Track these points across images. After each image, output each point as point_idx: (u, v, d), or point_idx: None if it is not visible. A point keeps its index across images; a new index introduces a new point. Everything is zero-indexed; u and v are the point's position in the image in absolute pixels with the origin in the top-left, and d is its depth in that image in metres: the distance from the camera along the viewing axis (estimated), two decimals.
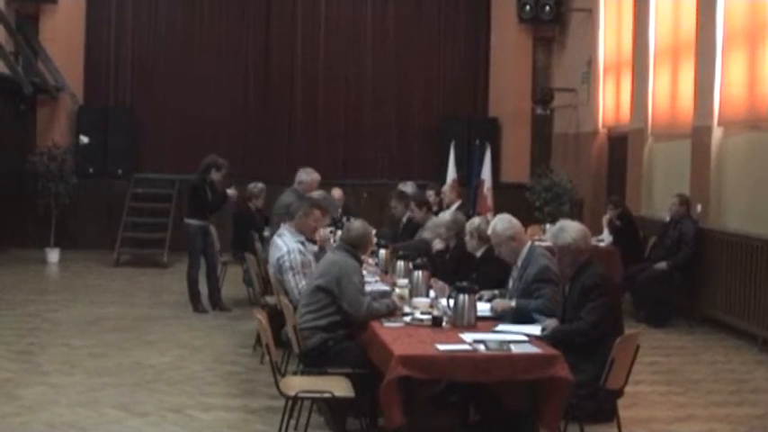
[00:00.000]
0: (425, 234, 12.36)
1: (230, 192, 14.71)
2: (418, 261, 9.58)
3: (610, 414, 7.35)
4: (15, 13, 20.82)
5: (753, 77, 13.31)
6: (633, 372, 7.41)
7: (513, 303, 8.14)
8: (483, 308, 8.15)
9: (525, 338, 7.27)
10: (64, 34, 21.47)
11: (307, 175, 13.96)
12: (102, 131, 21.26)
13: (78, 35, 22.01)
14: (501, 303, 8.24)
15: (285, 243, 10.09)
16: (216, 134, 21.65)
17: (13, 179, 19.98)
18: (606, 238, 15.25)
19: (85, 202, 20.74)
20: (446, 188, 16.18)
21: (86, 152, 21.08)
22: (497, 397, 7.47)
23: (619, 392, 7.23)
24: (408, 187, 15.81)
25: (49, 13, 21.26)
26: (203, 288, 14.56)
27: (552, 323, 7.56)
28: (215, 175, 14.42)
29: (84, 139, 21.06)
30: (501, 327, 7.72)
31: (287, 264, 9.85)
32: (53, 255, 19.66)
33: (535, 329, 7.57)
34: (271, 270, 10.39)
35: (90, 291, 16.40)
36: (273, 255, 10.21)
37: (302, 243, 10.18)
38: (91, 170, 21.09)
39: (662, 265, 13.85)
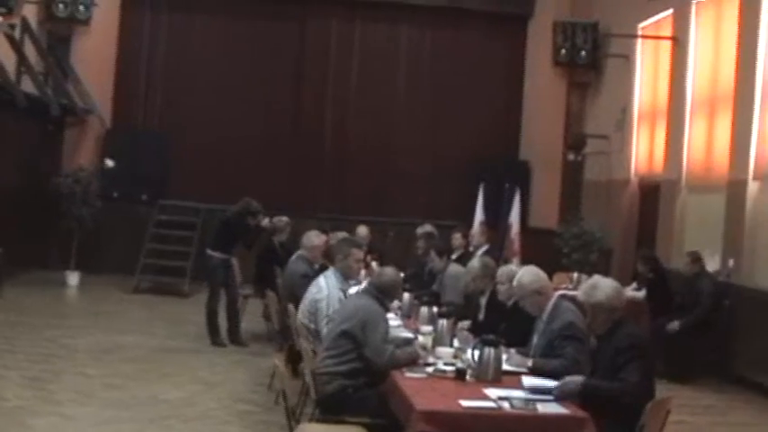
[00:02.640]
0: (448, 287, 12.13)
1: (265, 222, 14.66)
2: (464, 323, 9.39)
3: None
4: (48, 34, 20.83)
5: None
6: None
7: (529, 363, 7.85)
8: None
9: (551, 397, 6.99)
10: (95, 56, 21.43)
11: (316, 238, 13.33)
12: (129, 156, 21.09)
13: (109, 58, 21.94)
14: (518, 359, 7.96)
15: (327, 287, 9.86)
16: (244, 164, 21.52)
17: (38, 200, 19.81)
18: (637, 290, 14.93)
19: (109, 226, 20.53)
20: (475, 231, 15.94)
21: (112, 176, 20.90)
22: None
23: None
24: (424, 229, 15.60)
25: (81, 34, 21.25)
26: (223, 321, 14.34)
27: (578, 379, 7.24)
28: (251, 221, 14.36)
29: (110, 163, 20.92)
30: (526, 380, 7.42)
31: (323, 310, 9.66)
32: (73, 278, 19.51)
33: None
34: (303, 305, 10.09)
35: (108, 317, 16.24)
36: (311, 293, 9.98)
37: (344, 292, 9.93)
38: (115, 194, 20.91)
39: (674, 325, 13.58)
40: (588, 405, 6.87)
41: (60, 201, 19.60)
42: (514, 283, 8.54)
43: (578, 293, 7.54)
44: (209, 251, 14.43)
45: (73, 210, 19.58)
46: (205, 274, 14.83)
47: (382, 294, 8.30)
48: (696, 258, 14.09)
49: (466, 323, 9.91)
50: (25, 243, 19.36)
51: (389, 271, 8.60)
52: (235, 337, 14.31)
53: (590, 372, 7.33)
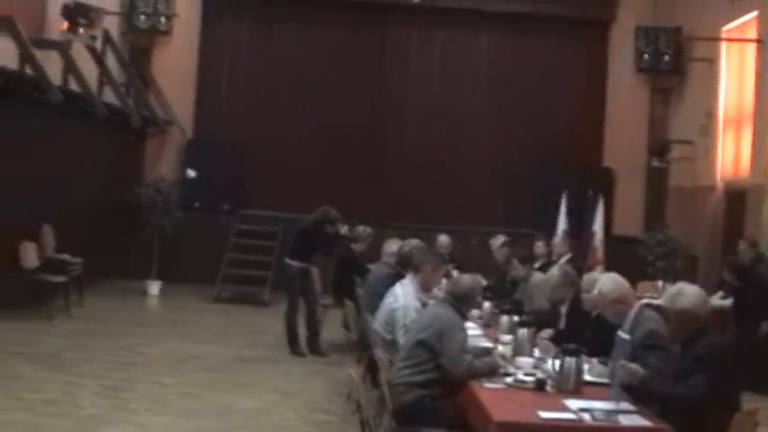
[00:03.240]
0: (534, 295, 11.90)
1: (344, 231, 14.54)
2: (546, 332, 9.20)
3: None
4: (129, 45, 20.99)
5: None
6: None
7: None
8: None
9: (634, 408, 6.75)
10: (176, 67, 21.54)
11: (395, 246, 13.07)
12: (210, 166, 21.13)
13: (190, 68, 22.01)
14: (600, 369, 7.71)
15: (404, 295, 9.68)
16: (323, 174, 21.43)
17: (120, 210, 19.91)
18: (723, 299, 14.57)
19: (189, 235, 20.53)
20: (557, 240, 15.71)
21: (193, 186, 20.97)
22: None
23: None
24: (498, 240, 15.40)
25: (162, 45, 21.38)
26: (302, 330, 14.24)
27: (640, 371, 6.95)
28: (330, 229, 14.24)
29: (192, 173, 20.98)
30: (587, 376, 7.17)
31: (400, 319, 9.49)
32: (154, 287, 19.58)
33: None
34: (380, 314, 9.94)
35: (187, 326, 16.25)
36: (387, 302, 9.82)
37: (422, 302, 9.75)
38: (197, 204, 20.96)
39: (764, 327, 13.30)
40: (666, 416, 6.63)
41: (141, 210, 19.66)
42: (594, 291, 8.31)
43: (662, 300, 7.28)
44: (287, 260, 14.37)
45: (154, 219, 19.65)
46: (284, 283, 14.75)
47: (459, 302, 8.12)
48: (753, 243, 13.92)
49: (548, 332, 9.71)
50: (107, 253, 19.46)
51: (467, 278, 8.43)
52: (314, 347, 14.21)
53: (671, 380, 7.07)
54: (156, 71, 21.30)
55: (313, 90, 22.18)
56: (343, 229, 14.59)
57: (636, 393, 6.87)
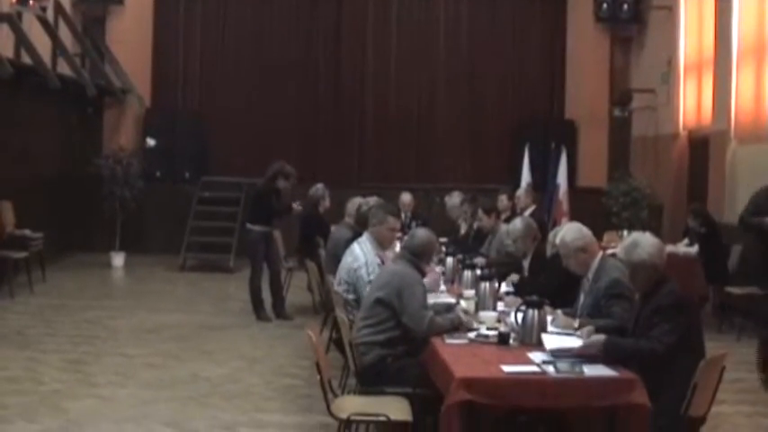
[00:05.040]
0: (506, 243, 11.79)
1: (295, 206, 14.29)
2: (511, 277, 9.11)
3: None
4: (82, 16, 20.71)
5: None
6: None
7: (575, 323, 7.48)
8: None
9: (598, 358, 6.65)
10: (131, 36, 21.29)
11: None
12: (170, 134, 20.98)
13: (146, 37, 21.76)
14: (564, 320, 7.61)
15: (364, 253, 9.53)
16: (285, 137, 21.31)
17: (80, 183, 19.72)
18: (688, 246, 14.53)
19: (152, 205, 20.38)
20: (520, 193, 15.56)
21: (153, 156, 20.79)
22: (570, 422, 6.86)
23: (702, 419, 6.61)
24: (454, 198, 15.30)
25: (115, 14, 21.15)
26: (267, 296, 14.12)
27: (600, 337, 6.84)
28: (282, 184, 14.05)
29: (151, 142, 20.80)
30: (547, 341, 7.03)
31: (364, 277, 9.32)
32: (118, 259, 19.42)
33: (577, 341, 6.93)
34: (339, 275, 9.77)
35: (153, 297, 16.12)
36: (347, 262, 9.62)
37: (381, 260, 9.61)
38: (158, 174, 20.79)
39: None
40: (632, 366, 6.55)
41: (102, 182, 19.44)
42: (557, 241, 8.21)
43: (618, 252, 7.17)
44: (248, 225, 14.20)
45: (115, 191, 19.43)
46: (246, 249, 14.61)
47: (416, 257, 7.98)
48: (698, 213, 14.32)
49: (514, 277, 9.70)
50: (69, 227, 19.32)
51: (422, 232, 8.29)
52: (280, 311, 14.11)
53: (631, 332, 6.98)
54: (110, 41, 21.06)
55: (271, 56, 21.97)
56: (296, 205, 14.35)
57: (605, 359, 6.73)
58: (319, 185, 14.99)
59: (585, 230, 8.02)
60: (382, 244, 9.74)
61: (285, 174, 14.04)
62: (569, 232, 8.03)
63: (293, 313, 14.20)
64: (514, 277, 10.06)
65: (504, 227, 12.42)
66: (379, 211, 9.97)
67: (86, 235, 20.20)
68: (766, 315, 9.80)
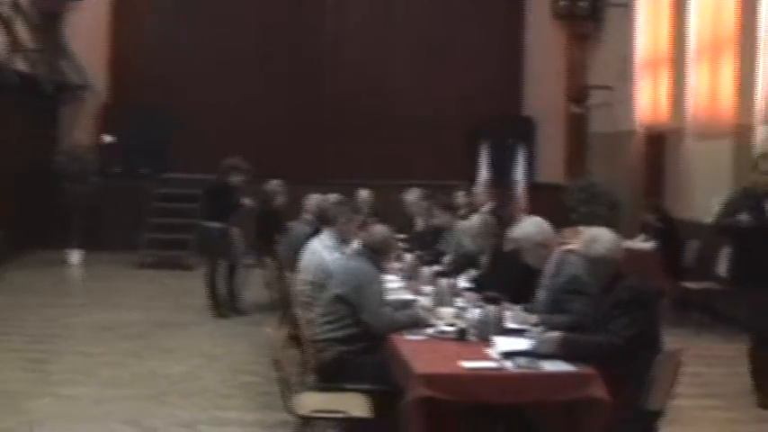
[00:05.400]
0: (462, 241, 11.82)
1: (247, 201, 14.23)
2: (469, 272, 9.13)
3: None
4: (39, 10, 20.50)
5: None
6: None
7: (534, 319, 7.52)
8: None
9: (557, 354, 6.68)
10: (88, 31, 21.22)
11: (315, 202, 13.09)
12: (129, 130, 20.85)
13: (104, 32, 21.75)
14: (522, 317, 7.65)
15: (329, 252, 9.47)
16: (244, 134, 21.19)
17: (37, 180, 19.56)
18: (645, 241, 14.63)
19: (110, 202, 20.28)
20: (478, 189, 15.62)
21: (112, 152, 20.68)
22: (529, 418, 6.90)
23: (660, 413, 6.67)
24: (413, 194, 15.32)
25: (73, 10, 21.04)
26: (225, 292, 14.12)
27: (555, 335, 6.86)
28: (235, 179, 13.98)
29: (108, 138, 20.69)
30: (499, 344, 7.04)
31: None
32: (75, 257, 19.30)
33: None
34: (304, 274, 9.69)
35: (111, 294, 16.02)
36: (313, 260, 9.56)
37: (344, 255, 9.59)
38: (116, 170, 20.67)
39: None
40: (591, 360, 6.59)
41: (59, 179, 19.31)
42: (517, 234, 8.24)
43: (577, 248, 7.22)
44: (203, 222, 14.15)
45: (72, 187, 19.29)
46: (203, 245, 14.57)
47: (375, 254, 7.99)
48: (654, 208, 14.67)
49: (471, 273, 9.75)
50: (25, 224, 19.13)
51: (380, 228, 8.31)
52: (236, 307, 14.09)
53: (590, 327, 7.02)
54: (68, 36, 20.89)
55: (231, 51, 21.93)
56: (246, 201, 14.32)
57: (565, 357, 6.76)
58: (275, 182, 14.99)
59: (546, 225, 8.06)
60: (345, 238, 9.73)
61: (238, 169, 14.00)
62: (530, 226, 8.06)
63: (251, 310, 14.17)
64: (472, 272, 10.11)
65: (460, 224, 12.44)
66: (345, 209, 9.97)
67: (44, 232, 20.00)
68: (755, 317, 9.73)
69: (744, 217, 9.28)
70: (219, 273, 14.07)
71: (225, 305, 14.06)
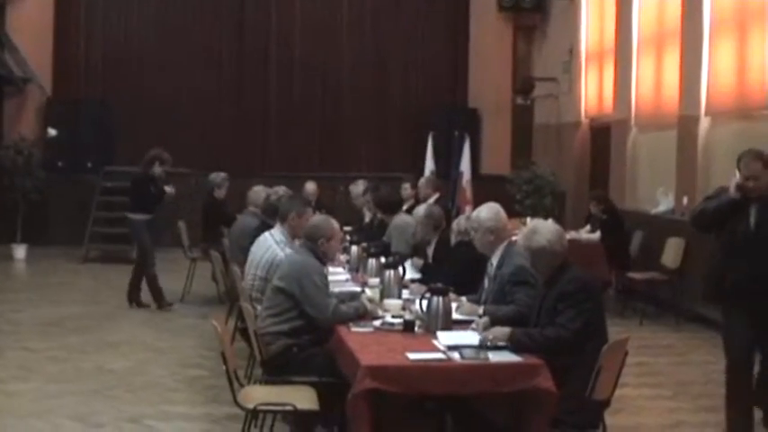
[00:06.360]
0: (394, 238, 11.85)
1: (168, 189, 14.09)
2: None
3: (595, 423, 6.80)
4: None
5: (741, 66, 12.86)
6: None
7: (480, 310, 7.54)
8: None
9: (504, 344, 6.70)
10: (32, 23, 20.97)
11: (263, 193, 12.83)
12: (73, 124, 20.67)
13: (47, 25, 21.46)
14: (469, 308, 7.67)
15: (281, 248, 9.29)
16: (189, 126, 21.21)
17: None
18: (591, 232, 14.71)
19: (54, 196, 20.09)
20: (422, 181, 15.58)
21: (55, 145, 20.48)
22: (477, 409, 6.92)
23: (606, 403, 6.71)
24: (359, 187, 15.31)
25: (16, 2, 20.74)
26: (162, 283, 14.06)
27: (504, 330, 6.85)
28: (158, 170, 13.84)
29: (52, 132, 20.49)
30: (442, 338, 7.02)
31: None
32: (20, 251, 19.13)
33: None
34: (250, 270, 9.47)
35: (55, 289, 15.92)
36: (262, 255, 9.31)
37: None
38: (60, 164, 20.49)
39: None
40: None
41: (2, 173, 19.12)
42: (473, 215, 8.24)
43: (519, 240, 7.24)
44: (129, 215, 14.02)
45: (16, 181, 19.12)
46: (132, 238, 14.51)
47: (312, 243, 7.90)
48: (600, 200, 14.69)
49: (418, 261, 9.77)
50: None
51: (317, 216, 8.34)
52: (132, 297, 14.13)
53: (534, 320, 7.05)
54: (10, 29, 20.65)
55: (175, 43, 21.81)
56: (168, 188, 14.20)
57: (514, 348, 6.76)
58: (220, 174, 14.97)
59: (502, 214, 8.07)
60: (296, 234, 9.58)
61: (161, 159, 13.86)
62: (486, 210, 8.05)
63: (199, 303, 14.17)
64: (417, 261, 10.14)
65: (400, 216, 12.39)
66: (296, 204, 9.86)
67: None
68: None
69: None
70: (155, 264, 13.96)
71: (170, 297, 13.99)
